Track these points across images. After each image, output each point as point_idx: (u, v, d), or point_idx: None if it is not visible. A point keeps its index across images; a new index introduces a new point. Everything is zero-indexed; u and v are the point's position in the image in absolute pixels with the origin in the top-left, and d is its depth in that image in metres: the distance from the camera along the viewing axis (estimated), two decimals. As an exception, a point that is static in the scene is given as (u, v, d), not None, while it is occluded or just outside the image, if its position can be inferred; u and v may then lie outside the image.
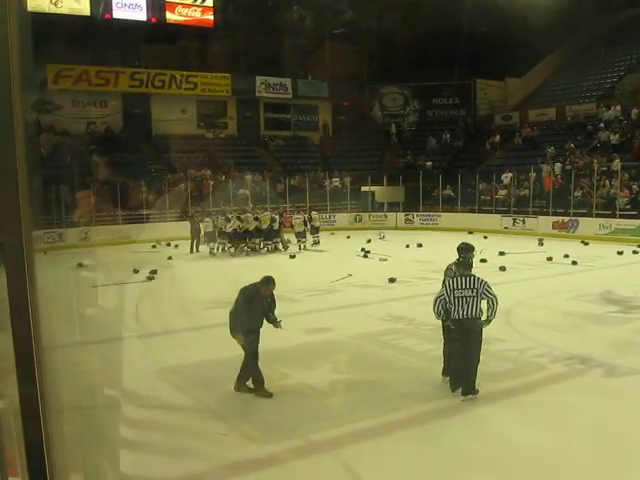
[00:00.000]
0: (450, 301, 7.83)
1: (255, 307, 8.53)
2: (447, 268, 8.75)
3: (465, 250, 8.61)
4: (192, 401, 8.05)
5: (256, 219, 24.49)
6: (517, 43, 36.95)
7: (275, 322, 8.72)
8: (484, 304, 7.84)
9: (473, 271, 8.10)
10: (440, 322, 8.42)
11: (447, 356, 8.42)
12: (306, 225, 25.91)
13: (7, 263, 1.69)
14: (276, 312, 8.70)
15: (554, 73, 44.86)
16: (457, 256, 8.45)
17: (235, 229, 24.16)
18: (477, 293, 7.73)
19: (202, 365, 9.50)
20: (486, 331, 8.04)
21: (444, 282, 8.37)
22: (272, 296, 8.87)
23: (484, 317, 7.89)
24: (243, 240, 24.45)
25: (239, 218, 24.42)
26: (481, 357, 8.00)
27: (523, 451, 6.46)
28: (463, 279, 7.86)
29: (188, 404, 8.00)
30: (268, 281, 8.91)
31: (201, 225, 24.87)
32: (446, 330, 8.34)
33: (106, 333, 10.64)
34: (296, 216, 26.05)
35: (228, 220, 24.29)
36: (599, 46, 43.04)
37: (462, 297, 7.77)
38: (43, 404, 1.75)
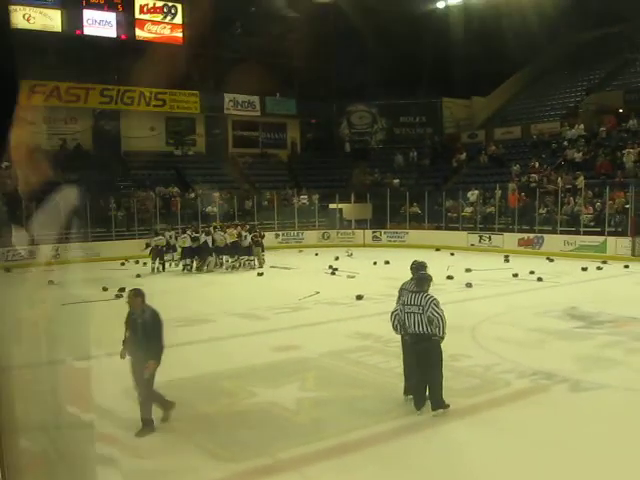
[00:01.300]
0: (401, 316, 8.04)
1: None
2: (401, 288, 8.91)
3: (417, 269, 8.77)
4: (156, 420, 8.00)
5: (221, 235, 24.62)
6: (483, 62, 37.63)
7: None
8: (433, 322, 7.96)
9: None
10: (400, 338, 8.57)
11: (407, 374, 8.54)
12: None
13: None
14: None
15: (519, 92, 45.64)
16: (428, 274, 8.55)
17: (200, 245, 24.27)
18: (423, 310, 7.87)
19: (169, 384, 9.45)
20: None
21: (399, 298, 8.60)
22: (149, 314, 7.76)
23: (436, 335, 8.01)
24: (209, 256, 24.53)
25: (208, 233, 24.58)
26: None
27: (489, 466, 6.55)
28: (413, 295, 8.03)
29: (154, 424, 7.96)
30: (134, 293, 7.97)
31: (164, 242, 24.84)
32: (404, 344, 8.48)
33: (75, 351, 10.53)
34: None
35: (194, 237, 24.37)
36: (563, 66, 43.93)
37: (410, 313, 7.95)
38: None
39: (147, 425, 7.58)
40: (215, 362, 10.62)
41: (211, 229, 25.83)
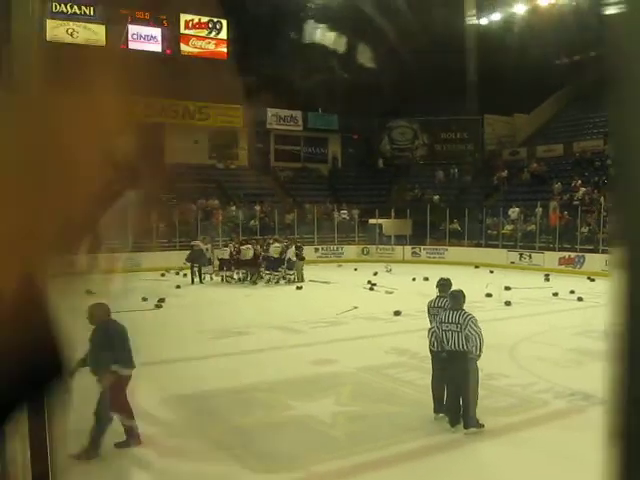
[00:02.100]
0: (439, 334, 8.08)
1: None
2: (429, 306, 9.00)
3: (443, 286, 8.85)
4: (195, 430, 8.13)
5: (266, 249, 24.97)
6: (525, 79, 37.39)
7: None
8: (470, 340, 7.98)
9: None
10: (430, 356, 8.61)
11: (436, 393, 8.53)
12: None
13: None
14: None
15: (562, 109, 45.22)
16: (461, 290, 8.58)
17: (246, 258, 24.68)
18: (461, 328, 7.91)
19: (205, 394, 9.60)
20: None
21: (430, 315, 8.82)
22: (114, 328, 7.32)
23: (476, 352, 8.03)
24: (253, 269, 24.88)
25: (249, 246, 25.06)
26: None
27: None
28: (451, 313, 8.08)
29: (191, 433, 8.09)
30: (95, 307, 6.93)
31: (205, 253, 25.28)
32: (436, 363, 8.50)
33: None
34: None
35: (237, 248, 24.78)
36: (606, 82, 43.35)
37: (448, 331, 7.98)
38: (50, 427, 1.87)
39: (91, 449, 6.96)
40: (251, 374, 10.73)
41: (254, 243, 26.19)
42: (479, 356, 7.95)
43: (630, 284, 0.74)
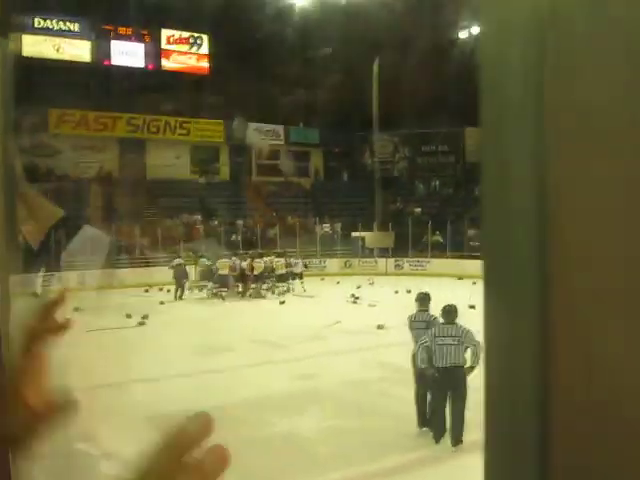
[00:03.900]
0: (432, 349, 8.01)
1: None
2: (411, 321, 9.00)
3: (423, 300, 8.92)
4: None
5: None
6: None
7: None
8: (467, 352, 8.02)
9: (461, 317, 8.31)
10: (412, 370, 8.61)
11: (420, 407, 8.55)
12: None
13: None
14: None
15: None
16: (447, 302, 8.60)
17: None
18: (459, 341, 7.91)
19: (190, 413, 9.55)
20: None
21: (412, 330, 8.76)
22: None
23: (468, 365, 8.06)
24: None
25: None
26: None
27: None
28: (446, 327, 8.06)
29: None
30: None
31: (187, 270, 25.49)
32: (424, 379, 8.46)
33: (98, 378, 10.72)
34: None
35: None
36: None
37: (444, 345, 7.93)
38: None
39: None
40: (235, 391, 10.74)
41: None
42: (473, 368, 7.94)
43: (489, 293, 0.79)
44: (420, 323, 8.72)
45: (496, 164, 0.76)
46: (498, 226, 0.76)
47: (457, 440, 7.87)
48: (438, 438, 8.06)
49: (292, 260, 27.31)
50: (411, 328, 8.93)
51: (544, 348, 0.72)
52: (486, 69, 0.77)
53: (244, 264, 25.62)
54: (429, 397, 8.47)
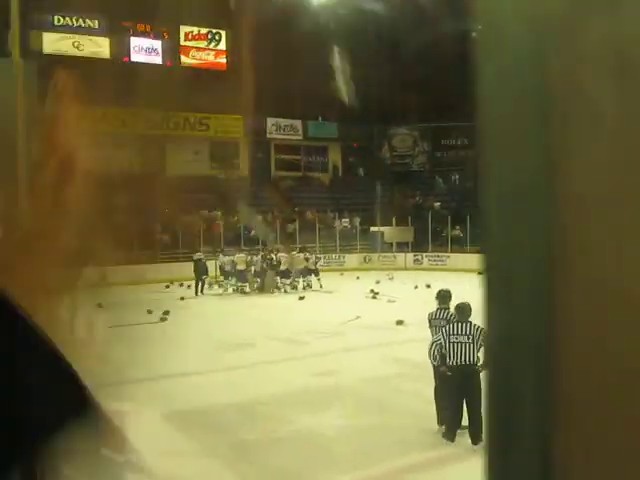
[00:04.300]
0: (445, 347, 8.00)
1: None
2: (432, 318, 8.98)
3: (444, 297, 8.88)
4: (199, 446, 8.18)
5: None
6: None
7: None
8: (481, 351, 7.98)
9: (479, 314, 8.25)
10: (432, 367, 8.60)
11: (439, 405, 8.53)
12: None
13: None
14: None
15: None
16: (468, 303, 8.55)
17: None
18: (473, 340, 7.89)
19: (211, 409, 9.65)
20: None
21: (432, 327, 8.72)
22: None
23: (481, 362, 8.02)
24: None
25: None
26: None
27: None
28: (460, 325, 8.03)
29: (195, 449, 8.14)
30: None
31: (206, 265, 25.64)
32: (439, 376, 8.45)
33: (119, 375, 10.78)
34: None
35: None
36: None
37: (458, 343, 7.91)
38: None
39: None
40: (255, 387, 10.79)
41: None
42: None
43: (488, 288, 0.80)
44: (440, 321, 8.69)
45: (498, 156, 0.77)
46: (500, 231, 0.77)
47: (476, 438, 7.80)
48: (450, 437, 8.04)
49: (307, 255, 27.32)
50: (431, 326, 8.91)
51: (546, 345, 0.72)
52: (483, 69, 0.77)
53: (259, 258, 25.89)
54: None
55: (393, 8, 35.72)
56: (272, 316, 19.56)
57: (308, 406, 9.72)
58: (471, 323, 8.02)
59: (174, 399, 10.21)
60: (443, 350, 8.04)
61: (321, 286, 26.14)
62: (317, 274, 26.80)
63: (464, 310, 8.21)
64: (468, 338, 7.89)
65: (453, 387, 8.11)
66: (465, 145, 43.86)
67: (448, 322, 8.46)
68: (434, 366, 8.47)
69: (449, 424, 8.19)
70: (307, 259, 26.73)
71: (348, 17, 35.58)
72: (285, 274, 26.00)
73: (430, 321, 8.99)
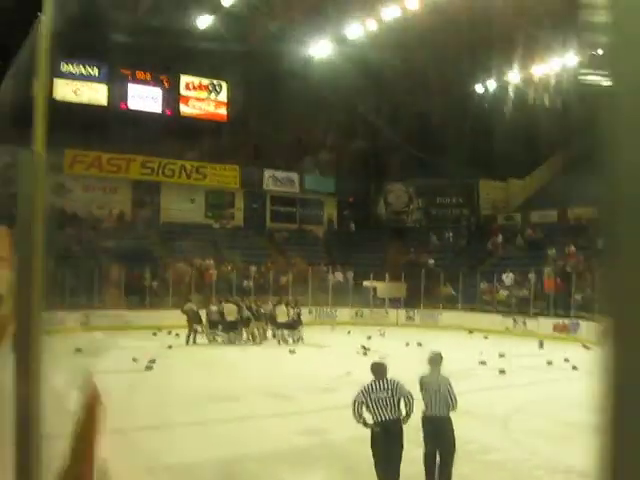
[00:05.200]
0: (369, 405, 8.04)
1: None
2: (421, 381, 8.90)
3: (436, 361, 8.81)
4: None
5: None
6: (520, 144, 37.87)
7: None
8: (402, 403, 8.05)
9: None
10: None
11: (429, 465, 8.38)
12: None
13: (18, 348, 1.79)
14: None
15: (556, 175, 45.58)
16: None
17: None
18: (392, 394, 7.93)
19: (195, 464, 9.39)
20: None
21: (423, 390, 8.61)
22: None
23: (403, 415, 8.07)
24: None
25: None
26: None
27: None
28: (378, 383, 8.09)
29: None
30: None
31: (202, 314, 25.35)
32: (427, 436, 8.38)
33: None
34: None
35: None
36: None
37: (379, 399, 7.97)
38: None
39: None
40: (242, 443, 10.53)
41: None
42: (409, 416, 8.05)
43: (613, 355, 0.75)
44: (432, 384, 8.53)
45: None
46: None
47: None
48: None
49: (289, 307, 26.60)
50: (422, 389, 8.75)
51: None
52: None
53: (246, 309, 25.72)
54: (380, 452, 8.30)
55: (392, 66, 36.22)
56: (261, 369, 19.29)
57: (295, 466, 9.48)
58: (388, 379, 8.10)
59: (158, 452, 9.95)
60: (366, 408, 8.08)
61: (299, 339, 25.69)
62: (295, 327, 26.07)
63: (380, 369, 8.27)
64: (387, 393, 7.95)
65: (381, 443, 8.04)
66: (460, 203, 44.11)
67: (440, 386, 8.37)
68: (424, 428, 8.35)
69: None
70: (288, 312, 26.20)
71: (348, 73, 36.03)
72: (277, 324, 25.75)
73: (421, 385, 8.83)
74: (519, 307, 31.60)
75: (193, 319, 25.16)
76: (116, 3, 29.57)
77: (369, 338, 25.93)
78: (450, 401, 8.18)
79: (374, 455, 8.20)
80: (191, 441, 10.74)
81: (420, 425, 8.33)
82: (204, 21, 35.27)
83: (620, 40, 0.72)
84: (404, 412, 8.02)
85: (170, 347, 22.85)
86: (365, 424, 8.18)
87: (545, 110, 37.19)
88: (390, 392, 7.94)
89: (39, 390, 1.89)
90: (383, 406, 7.92)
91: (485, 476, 8.69)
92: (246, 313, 25.55)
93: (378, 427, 7.97)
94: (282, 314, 25.87)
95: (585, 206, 38.34)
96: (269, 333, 26.18)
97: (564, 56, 36.49)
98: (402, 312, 34.83)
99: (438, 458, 8.12)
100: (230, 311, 25.31)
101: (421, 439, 8.47)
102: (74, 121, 28.93)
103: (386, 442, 7.95)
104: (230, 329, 25.23)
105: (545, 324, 29.52)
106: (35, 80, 2.25)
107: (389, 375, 8.11)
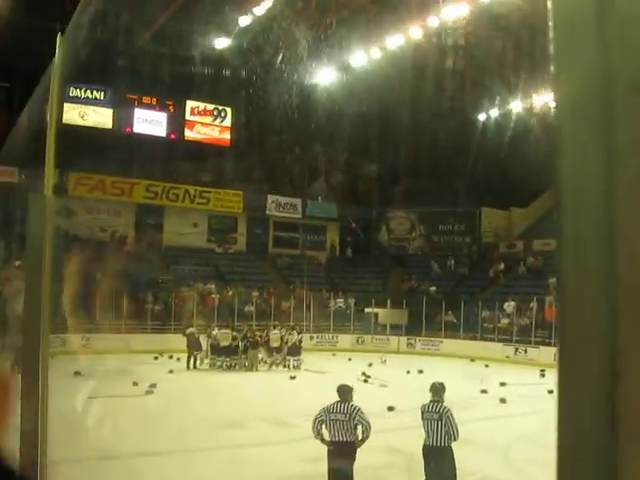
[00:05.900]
0: (327, 423, 8.38)
1: None
2: (423, 410, 8.97)
3: (438, 390, 8.89)
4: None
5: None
6: (522, 173, 38.00)
7: None
8: (358, 429, 8.33)
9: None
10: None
11: None
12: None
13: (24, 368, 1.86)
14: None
15: (558, 204, 45.68)
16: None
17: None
18: (350, 418, 8.22)
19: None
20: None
21: (424, 419, 8.77)
22: None
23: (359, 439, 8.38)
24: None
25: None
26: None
27: None
28: (339, 405, 8.41)
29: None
30: None
31: (202, 339, 25.30)
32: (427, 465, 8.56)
33: (96, 451, 10.49)
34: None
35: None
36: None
37: (336, 421, 8.29)
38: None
39: None
40: (242, 470, 10.53)
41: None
42: (363, 441, 8.33)
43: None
44: (433, 414, 8.57)
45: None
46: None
47: None
48: None
49: (287, 334, 26.59)
50: (423, 418, 8.78)
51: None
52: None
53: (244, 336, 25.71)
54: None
55: (395, 95, 36.51)
56: (262, 395, 19.23)
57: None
58: (349, 403, 8.42)
59: (158, 478, 9.93)
60: (324, 426, 8.45)
61: (295, 366, 25.71)
62: (295, 354, 26.17)
63: (345, 391, 8.63)
64: (345, 416, 8.27)
65: (332, 462, 8.41)
66: (461, 231, 44.19)
67: (441, 416, 8.42)
68: (425, 458, 8.44)
69: None
70: (284, 338, 26.20)
71: (352, 100, 36.30)
72: (276, 350, 25.73)
73: (423, 413, 8.85)
74: (520, 335, 31.55)
75: (193, 344, 25.16)
76: (125, 30, 29.89)
77: (370, 365, 25.88)
78: (452, 432, 8.22)
79: (327, 472, 8.57)
80: (192, 469, 10.73)
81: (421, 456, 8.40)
82: (213, 46, 35.57)
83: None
84: (360, 437, 8.31)
85: (171, 372, 22.82)
86: (322, 440, 8.55)
87: (547, 139, 37.34)
88: (348, 416, 8.24)
89: (46, 410, 1.97)
90: (339, 428, 8.27)
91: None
92: (243, 340, 25.47)
93: (331, 446, 8.36)
94: (275, 340, 25.85)
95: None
96: (268, 359, 26.08)
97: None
98: (403, 339, 34.76)
99: None
100: (225, 337, 25.26)
101: (422, 469, 8.50)
102: (80, 144, 29.13)
103: (337, 461, 8.36)
104: (229, 355, 25.14)
105: (546, 352, 29.41)
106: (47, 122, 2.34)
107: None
